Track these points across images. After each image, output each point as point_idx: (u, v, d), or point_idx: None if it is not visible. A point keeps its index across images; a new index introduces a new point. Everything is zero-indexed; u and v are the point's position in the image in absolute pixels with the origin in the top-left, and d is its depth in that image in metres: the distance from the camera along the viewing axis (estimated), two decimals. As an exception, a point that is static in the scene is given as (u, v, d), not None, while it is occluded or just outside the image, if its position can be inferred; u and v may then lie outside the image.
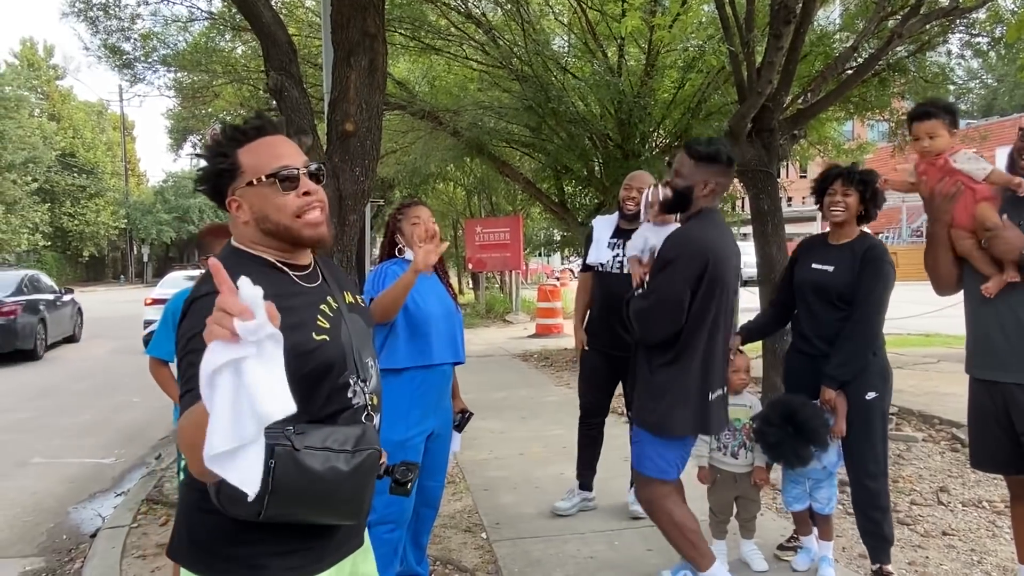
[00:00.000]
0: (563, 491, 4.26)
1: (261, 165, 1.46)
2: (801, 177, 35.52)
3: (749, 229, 6.43)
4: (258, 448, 1.04)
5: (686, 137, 8.71)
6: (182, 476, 1.54)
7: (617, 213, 4.00)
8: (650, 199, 3.04)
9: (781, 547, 3.47)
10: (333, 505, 1.40)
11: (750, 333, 3.54)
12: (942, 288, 2.93)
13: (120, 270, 43.65)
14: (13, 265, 26.02)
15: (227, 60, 9.90)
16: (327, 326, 1.49)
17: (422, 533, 3.13)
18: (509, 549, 3.65)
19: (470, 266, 15.67)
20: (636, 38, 8.39)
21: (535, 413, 6.85)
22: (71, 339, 13.84)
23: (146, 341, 3.23)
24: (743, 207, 11.98)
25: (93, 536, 4.18)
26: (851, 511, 3.66)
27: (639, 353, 2.83)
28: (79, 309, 14.29)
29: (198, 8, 9.57)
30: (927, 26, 6.29)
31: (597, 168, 9.49)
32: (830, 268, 3.09)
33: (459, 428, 3.20)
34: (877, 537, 3.11)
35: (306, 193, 1.48)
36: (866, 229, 3.22)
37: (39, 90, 37.20)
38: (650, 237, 3.04)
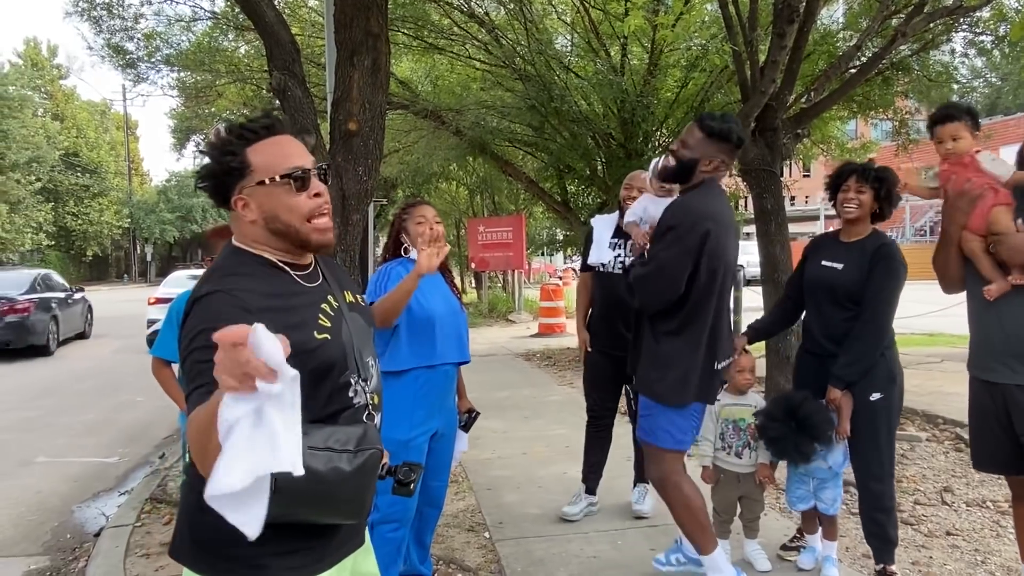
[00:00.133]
0: (566, 490, 4.26)
1: (273, 164, 1.45)
2: (804, 176, 35.52)
3: (752, 228, 6.43)
4: (265, 495, 1.02)
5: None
6: (183, 477, 1.54)
7: (617, 213, 3.97)
8: (658, 168, 3.03)
9: (784, 547, 3.47)
10: (335, 505, 1.40)
11: (757, 332, 3.51)
12: (949, 287, 2.93)
13: (124, 269, 43.73)
14: (18, 265, 26.13)
15: (230, 60, 9.91)
16: (328, 325, 1.49)
17: (426, 533, 3.13)
18: (512, 548, 3.65)
19: (473, 265, 15.66)
20: (639, 37, 8.38)
21: (538, 413, 6.85)
22: (82, 336, 14.19)
23: (150, 340, 3.24)
24: (746, 206, 11.97)
25: (97, 535, 4.18)
26: (855, 511, 3.67)
27: (643, 324, 2.81)
28: (89, 307, 14.62)
29: (201, 8, 9.59)
30: (931, 25, 6.27)
31: (600, 167, 9.49)
32: (839, 266, 3.05)
33: (466, 428, 3.20)
34: (881, 539, 3.10)
35: (317, 195, 1.48)
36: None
37: (43, 90, 37.29)
38: (649, 207, 3.04)
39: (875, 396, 2.99)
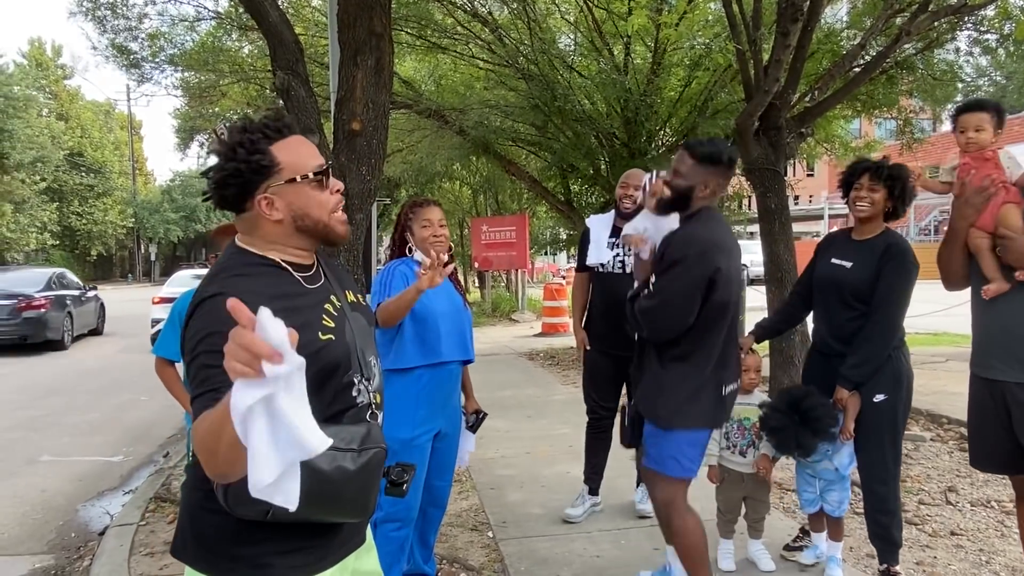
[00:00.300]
0: (570, 490, 4.26)
1: (300, 162, 1.45)
2: (808, 175, 35.45)
3: (756, 228, 6.42)
4: (296, 470, 1.05)
5: (692, 136, 8.70)
6: (185, 478, 1.54)
7: (613, 212, 3.95)
8: (651, 188, 3.01)
9: (788, 547, 3.46)
10: (340, 503, 1.41)
11: (764, 331, 3.50)
12: (951, 283, 2.91)
13: (128, 269, 43.83)
14: (24, 264, 26.26)
15: (234, 59, 9.92)
16: (332, 325, 1.49)
17: (429, 532, 3.13)
18: (515, 548, 3.65)
19: (476, 265, 15.68)
20: (642, 36, 8.37)
21: (541, 412, 6.85)
22: (95, 332, 14.76)
23: (154, 339, 3.24)
24: (750, 206, 11.96)
25: (102, 534, 4.20)
26: (859, 511, 3.66)
27: (647, 350, 2.77)
28: (102, 304, 15.23)
29: (205, 8, 9.60)
30: (935, 23, 6.26)
31: (603, 167, 9.48)
32: (848, 264, 3.02)
33: (473, 429, 3.19)
34: (885, 540, 3.08)
35: (337, 190, 1.51)
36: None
37: (47, 90, 37.38)
38: (649, 227, 3.01)
39: (879, 397, 2.96)
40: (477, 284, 21.00)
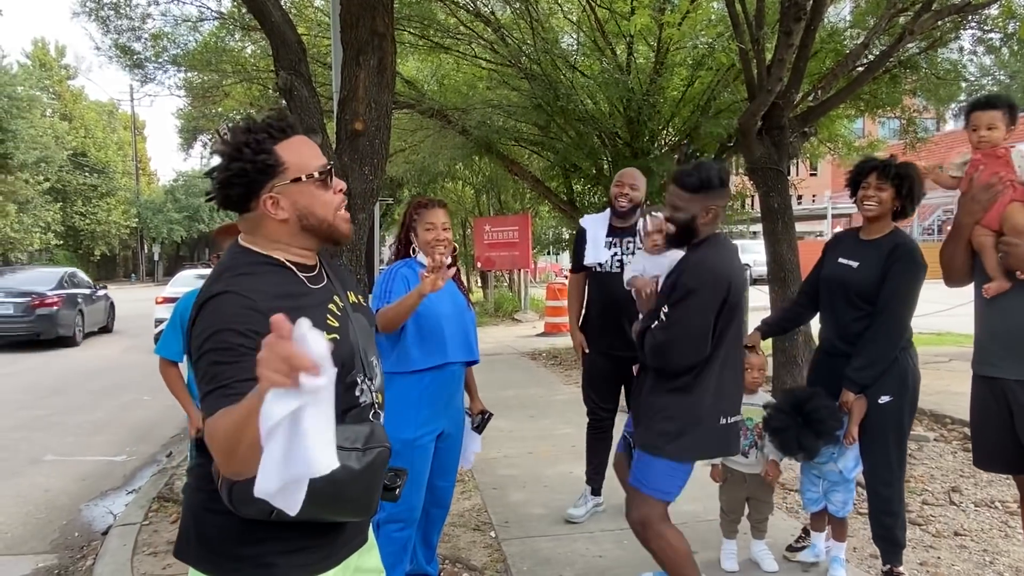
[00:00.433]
0: (572, 490, 4.25)
1: (305, 162, 1.46)
2: (811, 175, 35.38)
3: (759, 227, 6.41)
4: (303, 485, 1.07)
5: (695, 135, 8.69)
6: (187, 479, 1.54)
7: (608, 211, 3.93)
8: (648, 227, 2.99)
9: (790, 548, 3.45)
10: (344, 503, 1.41)
11: (769, 328, 3.48)
12: (953, 280, 2.89)
13: (131, 269, 43.91)
14: (27, 264, 26.35)
15: (237, 60, 9.93)
16: (336, 325, 1.50)
17: (432, 533, 3.12)
18: (518, 548, 3.65)
19: (479, 265, 15.68)
20: (645, 36, 8.36)
21: (544, 412, 6.85)
22: (105, 329, 15.25)
23: (157, 339, 3.24)
24: (753, 205, 11.94)
25: (105, 533, 4.21)
26: (863, 511, 3.65)
27: (647, 376, 2.74)
28: (112, 303, 15.70)
29: (208, 8, 9.61)
30: (939, 23, 6.24)
31: (606, 166, 9.47)
32: (855, 264, 2.99)
33: (479, 429, 3.17)
34: (889, 541, 3.08)
35: (340, 189, 1.52)
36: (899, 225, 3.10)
37: (51, 90, 37.45)
38: (648, 266, 2.99)
39: (884, 399, 2.94)
40: (480, 284, 21.00)
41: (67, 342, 13.02)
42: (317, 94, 4.15)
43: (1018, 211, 2.61)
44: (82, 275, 15.06)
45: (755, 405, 3.26)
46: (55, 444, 6.38)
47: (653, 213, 3.01)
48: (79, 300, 13.62)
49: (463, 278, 3.08)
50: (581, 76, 8.69)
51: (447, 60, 10.06)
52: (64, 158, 32.54)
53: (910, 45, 6.75)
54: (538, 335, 13.32)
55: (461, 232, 20.14)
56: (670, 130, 9.44)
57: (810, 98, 6.76)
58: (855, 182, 3.07)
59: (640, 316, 2.81)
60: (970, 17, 6.88)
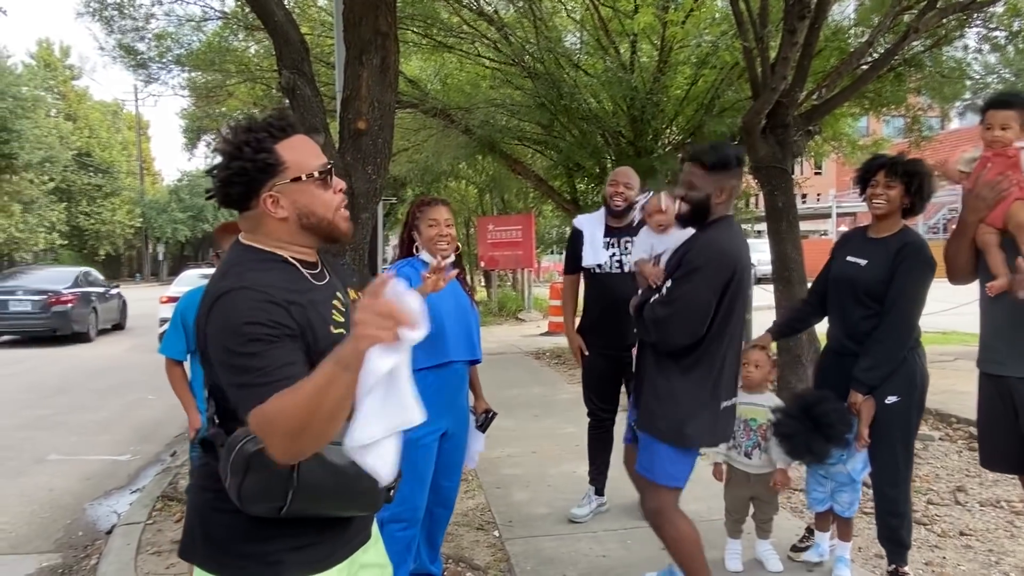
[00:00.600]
0: (576, 489, 4.25)
1: (305, 161, 1.47)
2: (816, 173, 35.30)
3: (763, 227, 6.39)
4: (396, 440, 1.17)
5: (699, 134, 8.67)
6: (192, 479, 1.54)
7: (602, 211, 3.90)
8: (655, 206, 2.99)
9: (795, 548, 3.44)
10: (352, 497, 1.43)
11: (780, 329, 3.45)
12: (956, 278, 2.87)
13: (136, 268, 44.00)
14: (32, 264, 26.46)
15: (240, 59, 9.94)
16: (342, 320, 1.51)
17: (436, 533, 3.12)
18: (522, 547, 3.64)
19: (482, 264, 15.67)
20: (649, 34, 8.35)
21: (548, 411, 6.84)
22: (118, 326, 15.78)
23: (161, 338, 3.24)
24: (757, 204, 11.92)
25: (109, 532, 4.21)
26: (868, 510, 3.64)
27: (649, 358, 2.73)
28: (124, 301, 16.22)
29: (211, 8, 9.63)
30: (944, 20, 6.22)
31: (609, 165, 9.45)
32: (863, 262, 2.97)
33: (483, 428, 3.17)
34: (894, 542, 3.06)
35: (340, 189, 1.52)
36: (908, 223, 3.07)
37: (55, 90, 37.52)
38: (656, 244, 2.99)
39: (891, 399, 2.91)
40: (483, 283, 21.00)
41: (82, 338, 13.57)
42: (320, 93, 4.15)
43: (1022, 209, 2.60)
44: (96, 274, 15.63)
45: (760, 405, 3.24)
46: (59, 443, 6.39)
47: (653, 194, 3.00)
48: (93, 298, 14.18)
49: (467, 277, 3.06)
50: (584, 75, 8.68)
51: (450, 59, 10.06)
52: (68, 158, 32.60)
53: (915, 43, 6.73)
54: (542, 334, 13.31)
55: (464, 231, 20.13)
56: (674, 129, 9.42)
57: (814, 96, 6.74)
58: (863, 180, 3.05)
59: (639, 292, 2.80)
60: (975, 15, 6.85)
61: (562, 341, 12.01)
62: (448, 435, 2.94)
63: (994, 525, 3.85)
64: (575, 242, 3.96)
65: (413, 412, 1.14)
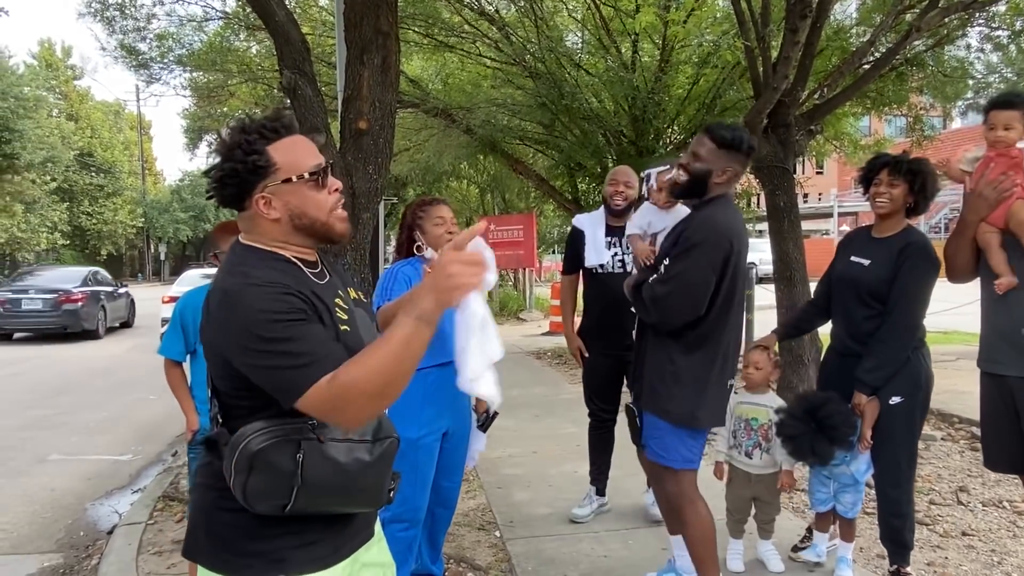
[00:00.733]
0: (577, 489, 4.24)
1: (296, 162, 1.46)
2: (818, 173, 35.31)
3: (765, 226, 6.39)
4: (493, 372, 1.34)
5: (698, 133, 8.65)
6: (195, 478, 1.54)
7: (602, 210, 3.89)
8: (657, 183, 3.00)
9: (795, 548, 3.43)
10: (356, 494, 1.45)
11: (786, 330, 3.43)
12: (956, 276, 2.87)
13: (138, 268, 44.06)
14: (33, 264, 26.54)
15: (242, 59, 9.94)
16: (346, 318, 1.52)
17: (438, 533, 3.11)
18: (523, 547, 3.64)
19: (483, 264, 15.64)
20: (650, 33, 8.34)
21: (549, 411, 6.84)
22: (126, 324, 16.36)
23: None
24: (759, 204, 11.91)
25: (110, 532, 4.21)
26: (869, 511, 3.63)
27: (652, 340, 2.71)
28: (132, 300, 16.73)
29: (213, 8, 9.63)
30: (946, 20, 6.20)
31: (611, 165, 9.43)
32: (866, 262, 2.96)
33: (484, 428, 3.16)
34: (896, 543, 3.05)
35: (336, 190, 1.52)
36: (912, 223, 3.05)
37: (57, 90, 37.56)
38: (654, 221, 2.99)
39: (895, 400, 2.90)
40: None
41: (91, 335, 14.12)
42: (321, 93, 4.15)
43: (1023, 208, 2.59)
44: (105, 274, 16.23)
45: (762, 405, 3.24)
46: (61, 443, 6.40)
47: (661, 169, 3.00)
48: (102, 297, 14.77)
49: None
50: (586, 74, 8.67)
51: (451, 59, 10.06)
52: (70, 158, 32.62)
53: (917, 42, 6.71)
54: (543, 334, 13.31)
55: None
56: (675, 128, 9.40)
57: (816, 96, 6.73)
58: (867, 179, 3.03)
59: (634, 271, 2.80)
60: (977, 14, 6.83)
61: (563, 341, 11.96)
62: (449, 435, 2.94)
63: (996, 525, 3.84)
64: (576, 242, 3.94)
65: (500, 346, 1.33)
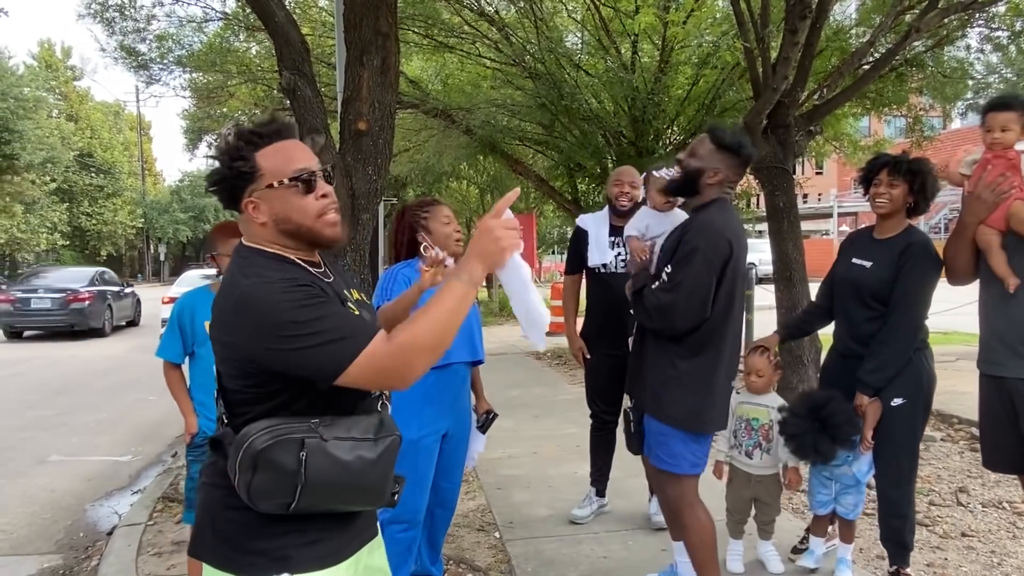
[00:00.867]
0: (576, 490, 4.24)
1: (280, 168, 1.48)
2: (817, 174, 35.31)
3: (765, 227, 6.39)
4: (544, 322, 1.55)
5: (700, 134, 8.66)
6: (200, 478, 1.55)
7: (606, 210, 3.89)
8: (651, 185, 3.00)
9: (795, 549, 3.42)
10: (359, 492, 1.46)
11: (789, 331, 3.42)
12: (956, 278, 2.87)
13: (137, 269, 44.07)
14: (33, 264, 26.59)
15: (241, 60, 9.95)
16: (357, 312, 1.55)
17: (437, 534, 3.11)
18: (522, 548, 3.64)
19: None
20: (650, 34, 8.34)
21: (548, 412, 6.84)
22: (132, 323, 16.90)
23: (163, 338, 3.21)
24: (758, 204, 11.91)
25: (110, 534, 4.21)
26: (869, 512, 3.63)
27: (652, 344, 2.71)
28: (138, 299, 17.36)
29: (212, 8, 9.64)
30: (945, 20, 6.21)
31: (610, 165, 9.45)
32: (868, 264, 2.95)
33: (483, 429, 3.16)
34: (896, 544, 3.05)
35: (324, 195, 1.52)
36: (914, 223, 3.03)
37: (57, 91, 37.58)
38: (652, 225, 2.98)
39: (897, 401, 2.89)
40: (484, 283, 20.98)
41: (98, 333, 14.68)
42: (321, 94, 4.15)
43: (1022, 209, 2.59)
44: (112, 274, 16.77)
45: (763, 406, 3.23)
46: (61, 444, 6.40)
47: (662, 171, 3.00)
48: (108, 296, 15.29)
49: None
50: (585, 75, 8.67)
51: (451, 59, 10.06)
52: (70, 159, 32.65)
53: (916, 43, 6.71)
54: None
55: (466, 232, 20.13)
56: (675, 129, 9.41)
57: (816, 96, 6.74)
58: (867, 179, 3.03)
59: (632, 275, 2.79)
60: (977, 15, 6.84)
61: (563, 341, 11.93)
62: (449, 436, 2.93)
63: (996, 526, 3.83)
64: (579, 242, 3.94)
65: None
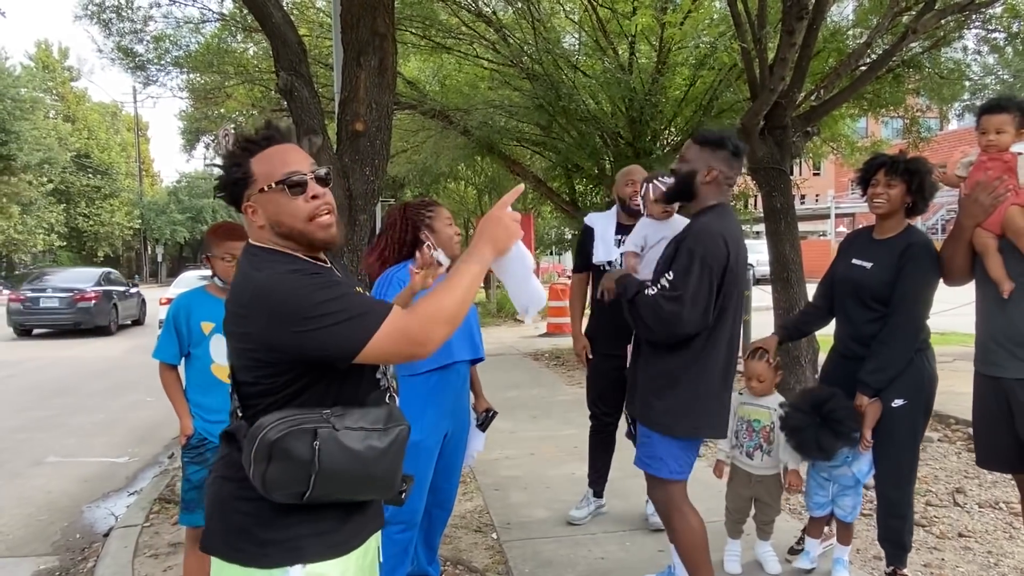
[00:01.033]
0: (574, 491, 4.24)
1: (271, 172, 1.53)
2: (814, 175, 35.36)
3: (762, 227, 6.40)
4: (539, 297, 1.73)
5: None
6: (212, 472, 1.59)
7: (614, 209, 3.89)
8: (649, 195, 3.01)
9: (792, 550, 3.43)
10: (370, 481, 1.50)
11: (787, 332, 3.42)
12: (952, 279, 2.87)
13: (135, 270, 43.99)
14: (31, 265, 26.58)
15: (238, 61, 9.94)
16: None
17: (434, 534, 3.11)
18: (520, 549, 3.64)
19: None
20: (647, 35, 8.35)
21: (546, 412, 6.83)
22: (137, 322, 17.38)
23: (161, 341, 3.19)
24: (756, 205, 11.92)
25: (106, 535, 4.20)
26: (866, 512, 3.63)
27: (647, 351, 2.71)
28: (143, 299, 17.83)
29: (209, 9, 9.62)
30: (942, 22, 6.22)
31: (608, 166, 9.46)
32: (868, 264, 2.94)
33: (483, 427, 3.15)
34: (894, 545, 3.05)
35: (314, 197, 1.55)
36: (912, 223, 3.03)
37: (54, 92, 37.53)
38: (650, 234, 2.99)
39: (897, 402, 2.89)
40: (482, 284, 20.96)
41: (104, 331, 15.21)
42: (318, 95, 4.15)
43: (1018, 215, 2.60)
44: (117, 275, 17.30)
45: (764, 407, 3.23)
46: (57, 445, 6.38)
47: (657, 180, 3.00)
48: (114, 296, 15.85)
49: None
50: (583, 76, 8.68)
51: (449, 60, 10.06)
52: (67, 159, 32.65)
53: (913, 44, 6.73)
54: (540, 335, 13.31)
55: (464, 232, 20.13)
56: (672, 130, 9.42)
57: (813, 97, 6.75)
58: (864, 180, 3.02)
59: (627, 281, 2.79)
60: (973, 16, 6.85)
61: (561, 342, 12.00)
62: (449, 437, 2.93)
63: (993, 527, 3.84)
64: (586, 239, 3.92)
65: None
